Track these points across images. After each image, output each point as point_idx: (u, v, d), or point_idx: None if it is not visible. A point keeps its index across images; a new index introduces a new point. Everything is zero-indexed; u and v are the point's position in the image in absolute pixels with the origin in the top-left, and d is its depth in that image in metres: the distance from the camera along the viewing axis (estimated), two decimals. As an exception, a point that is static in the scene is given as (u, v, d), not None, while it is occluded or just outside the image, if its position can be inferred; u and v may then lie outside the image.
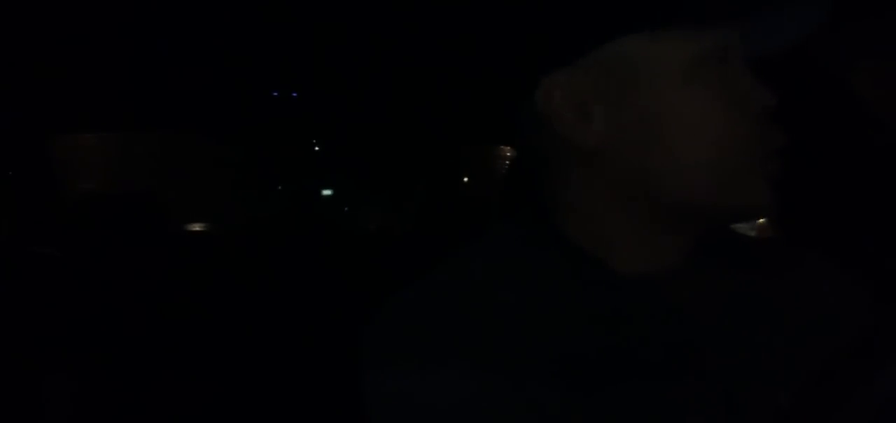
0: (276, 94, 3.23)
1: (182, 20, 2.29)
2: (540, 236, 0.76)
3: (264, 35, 2.59)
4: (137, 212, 2.61)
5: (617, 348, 0.69)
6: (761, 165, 0.67)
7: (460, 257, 0.79)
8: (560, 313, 0.71)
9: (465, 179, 9.23)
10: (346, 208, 8.75)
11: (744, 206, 0.69)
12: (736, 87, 0.67)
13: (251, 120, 3.42)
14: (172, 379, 2.46)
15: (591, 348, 0.69)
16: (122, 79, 2.64)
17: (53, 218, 2.75)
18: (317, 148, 7.91)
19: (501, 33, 0.75)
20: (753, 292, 0.70)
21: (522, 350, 0.70)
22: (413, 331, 0.75)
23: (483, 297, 0.74)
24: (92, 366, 2.26)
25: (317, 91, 3.73)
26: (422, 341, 0.74)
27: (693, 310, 0.69)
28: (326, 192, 8.74)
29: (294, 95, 3.30)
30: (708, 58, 0.67)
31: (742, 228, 0.81)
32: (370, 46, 3.06)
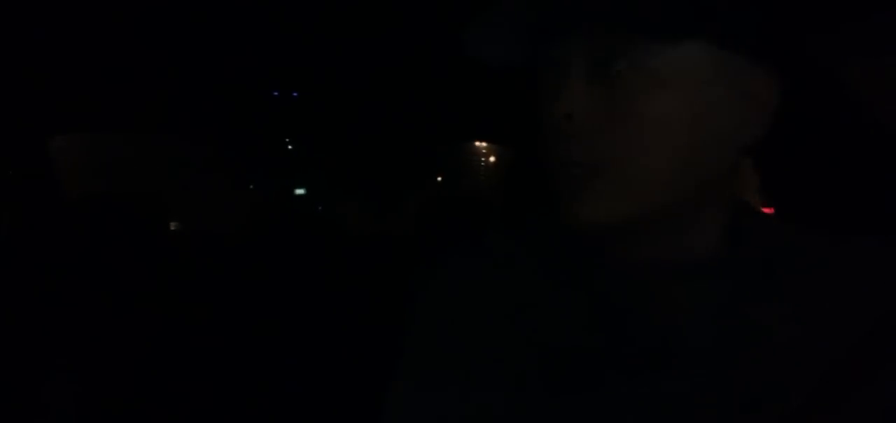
0: (276, 94, 3.20)
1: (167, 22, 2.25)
2: (552, 234, 0.77)
3: (243, 36, 2.55)
4: (133, 213, 2.61)
5: (619, 343, 0.70)
6: (563, 175, 0.68)
7: (474, 249, 0.81)
8: (563, 310, 0.73)
9: (439, 179, 9.23)
10: (319, 207, 8.70)
11: (565, 213, 0.70)
12: (547, 98, 0.70)
13: (235, 120, 3.36)
14: (166, 378, 2.46)
15: (593, 342, 0.70)
16: (116, 79, 2.60)
17: (53, 218, 2.73)
18: (289, 147, 7.85)
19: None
20: (773, 289, 0.70)
21: (524, 345, 0.71)
22: (423, 333, 0.76)
23: (488, 293, 0.76)
24: (91, 365, 2.25)
25: (290, 90, 3.68)
26: (430, 340, 0.75)
27: (702, 307, 0.69)
28: (299, 191, 8.69)
29: (295, 94, 3.26)
30: (543, 68, 0.71)
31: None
32: (340, 44, 3.02)
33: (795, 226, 0.75)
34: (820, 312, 0.68)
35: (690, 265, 0.70)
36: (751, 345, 0.68)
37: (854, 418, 0.65)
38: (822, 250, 0.72)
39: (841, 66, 0.96)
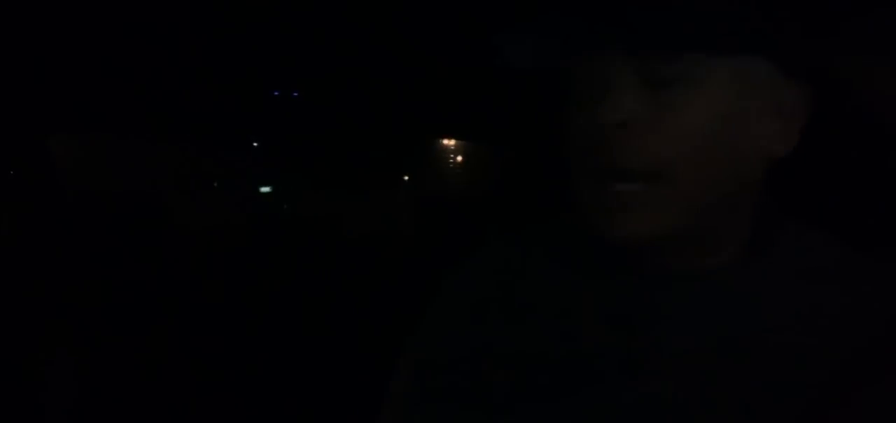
0: (277, 93, 3.21)
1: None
2: (563, 239, 0.78)
3: (208, 34, 2.51)
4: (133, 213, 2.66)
5: (630, 350, 0.70)
6: (601, 185, 0.68)
7: (481, 252, 0.82)
8: (574, 317, 0.73)
9: (406, 178, 9.18)
10: (285, 206, 8.61)
11: (593, 224, 0.69)
12: (595, 106, 0.68)
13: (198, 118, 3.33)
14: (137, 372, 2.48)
15: (605, 350, 0.70)
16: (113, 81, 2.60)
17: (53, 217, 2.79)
18: (255, 144, 7.76)
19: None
20: (791, 298, 0.70)
21: (531, 351, 0.72)
22: (437, 324, 0.78)
23: (495, 298, 0.77)
24: (91, 362, 2.28)
25: (256, 87, 3.64)
26: (445, 335, 0.77)
27: (716, 315, 0.69)
28: (265, 189, 8.59)
29: (295, 94, 3.27)
30: (583, 79, 0.70)
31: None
32: (308, 40, 3.00)
33: (824, 235, 0.75)
34: (837, 322, 0.68)
35: (708, 274, 0.70)
36: (763, 353, 0.67)
37: None
38: (846, 261, 0.72)
39: (840, 67, 0.96)
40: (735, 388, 0.67)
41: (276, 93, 3.15)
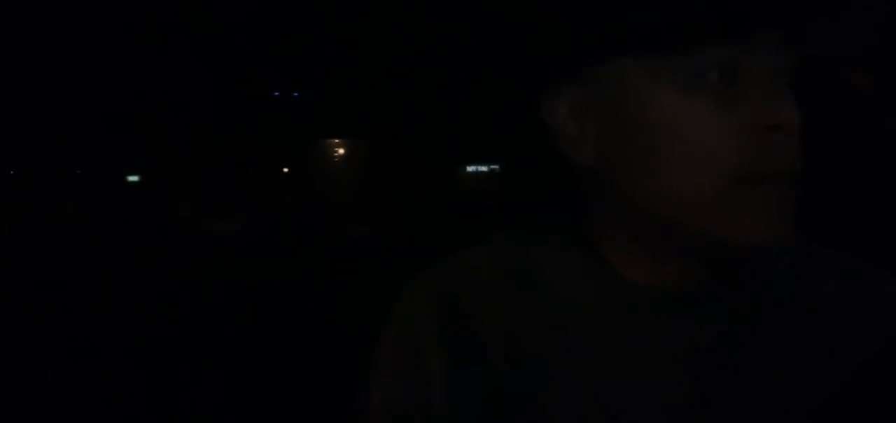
0: (277, 94, 3.13)
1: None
2: (560, 238, 0.75)
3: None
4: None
5: (608, 357, 0.67)
6: (757, 190, 0.63)
7: (477, 249, 0.79)
8: (563, 314, 0.70)
9: (285, 170, 8.97)
10: (154, 196, 8.24)
11: (734, 235, 0.63)
12: (737, 105, 0.64)
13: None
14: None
15: (584, 352, 0.68)
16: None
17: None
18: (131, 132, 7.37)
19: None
20: (779, 316, 0.69)
21: (517, 342, 0.69)
22: (424, 316, 0.74)
23: (487, 290, 0.74)
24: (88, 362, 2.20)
25: (136, 80, 3.50)
26: (431, 328, 0.73)
27: (703, 330, 0.67)
28: (133, 178, 8.20)
29: (295, 95, 3.19)
30: (705, 74, 0.64)
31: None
32: (194, 33, 2.92)
33: (808, 238, 0.74)
34: (821, 334, 0.67)
35: (716, 280, 0.69)
36: (749, 367, 0.67)
37: None
38: (837, 262, 0.72)
39: (838, 66, 0.97)
40: (719, 402, 0.65)
41: (276, 93, 3.07)
